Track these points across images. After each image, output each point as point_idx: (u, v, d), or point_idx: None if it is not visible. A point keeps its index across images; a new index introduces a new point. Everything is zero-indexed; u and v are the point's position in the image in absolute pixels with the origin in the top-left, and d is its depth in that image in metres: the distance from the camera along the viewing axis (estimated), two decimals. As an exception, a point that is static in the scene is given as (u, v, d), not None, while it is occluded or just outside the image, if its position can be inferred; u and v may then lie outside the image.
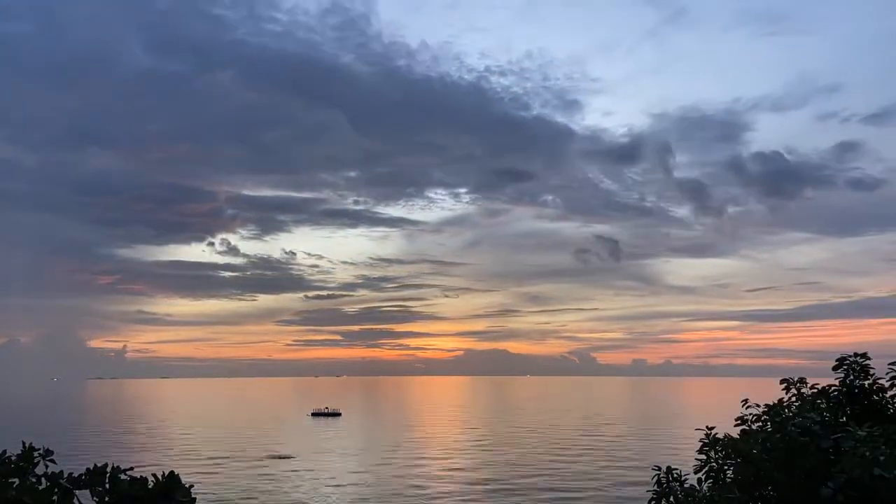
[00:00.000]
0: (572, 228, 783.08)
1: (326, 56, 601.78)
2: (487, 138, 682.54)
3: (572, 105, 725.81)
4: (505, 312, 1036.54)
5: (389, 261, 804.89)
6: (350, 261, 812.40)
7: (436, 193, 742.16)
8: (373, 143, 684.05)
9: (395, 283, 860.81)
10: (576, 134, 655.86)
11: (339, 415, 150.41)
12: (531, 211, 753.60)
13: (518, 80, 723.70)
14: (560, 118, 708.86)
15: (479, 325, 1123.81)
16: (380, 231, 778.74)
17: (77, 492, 6.14)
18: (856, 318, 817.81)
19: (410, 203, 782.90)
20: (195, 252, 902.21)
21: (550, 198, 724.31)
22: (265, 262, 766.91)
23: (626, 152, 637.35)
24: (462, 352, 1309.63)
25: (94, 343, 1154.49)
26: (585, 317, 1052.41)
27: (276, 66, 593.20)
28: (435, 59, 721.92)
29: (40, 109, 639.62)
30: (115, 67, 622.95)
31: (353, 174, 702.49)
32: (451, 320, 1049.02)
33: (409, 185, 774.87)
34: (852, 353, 11.02)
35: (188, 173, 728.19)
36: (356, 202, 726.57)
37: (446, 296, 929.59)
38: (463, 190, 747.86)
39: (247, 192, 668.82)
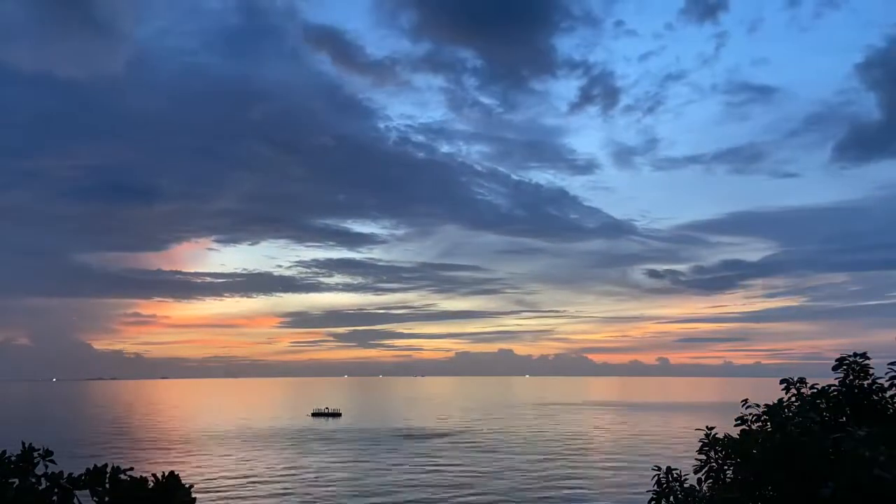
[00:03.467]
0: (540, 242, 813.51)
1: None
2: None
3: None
4: (495, 314, 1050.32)
5: (377, 267, 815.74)
6: (341, 265, 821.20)
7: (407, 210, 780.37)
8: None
9: (387, 288, 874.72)
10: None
11: (339, 415, 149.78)
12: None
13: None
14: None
15: (471, 328, 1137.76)
16: (361, 240, 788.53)
17: (77, 492, 6.15)
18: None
19: (381, 219, 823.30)
20: (193, 256, 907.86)
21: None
22: (259, 268, 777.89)
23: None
24: (454, 353, 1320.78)
25: (94, 344, 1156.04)
26: (575, 319, 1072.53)
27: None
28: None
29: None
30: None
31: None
32: (443, 323, 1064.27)
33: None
34: (852, 353, 10.93)
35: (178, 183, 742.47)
36: (330, 216, 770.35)
37: (438, 299, 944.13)
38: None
39: (228, 204, 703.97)
